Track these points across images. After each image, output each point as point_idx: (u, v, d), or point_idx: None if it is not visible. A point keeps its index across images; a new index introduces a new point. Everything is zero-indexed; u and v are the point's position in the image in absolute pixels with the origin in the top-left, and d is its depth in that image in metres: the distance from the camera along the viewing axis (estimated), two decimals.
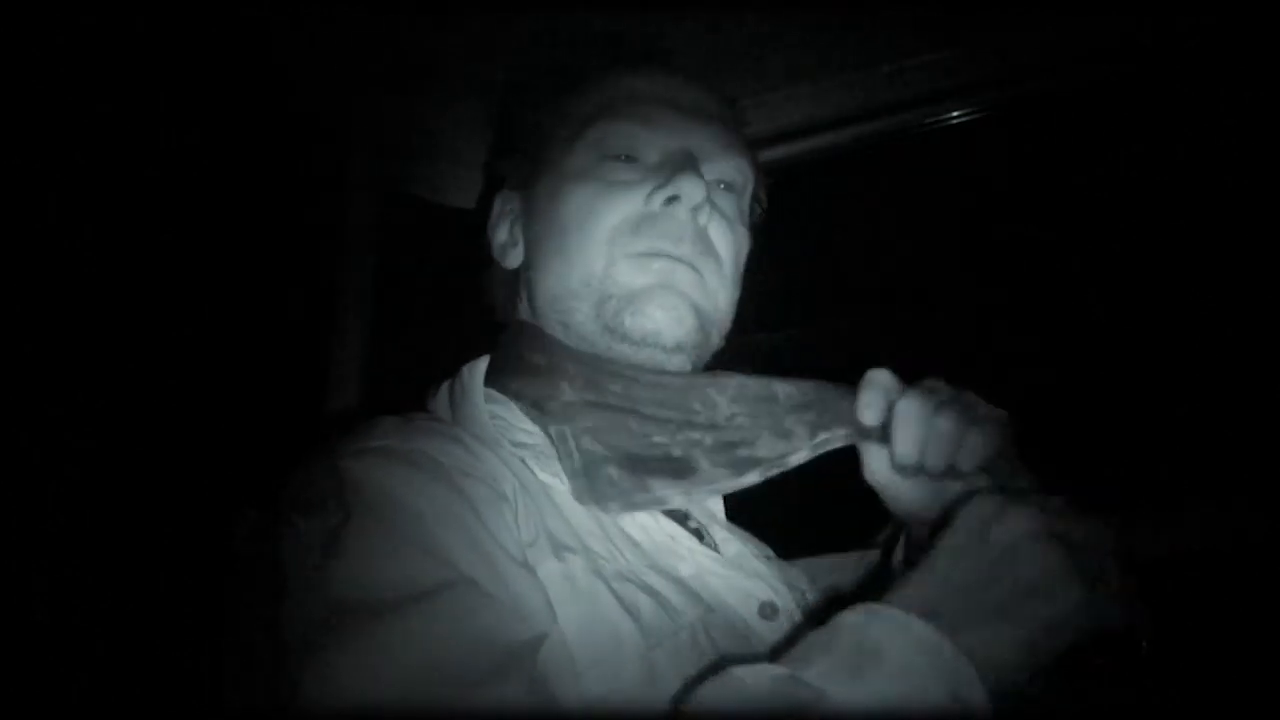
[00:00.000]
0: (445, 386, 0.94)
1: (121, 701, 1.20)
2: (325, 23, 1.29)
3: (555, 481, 0.85)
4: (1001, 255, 1.88)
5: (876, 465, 0.85)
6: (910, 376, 0.84)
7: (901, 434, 0.80)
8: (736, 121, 1.04)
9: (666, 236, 0.90)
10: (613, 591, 0.76)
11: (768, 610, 0.85)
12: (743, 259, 0.99)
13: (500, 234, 1.03)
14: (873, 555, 1.05)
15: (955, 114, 1.50)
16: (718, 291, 0.94)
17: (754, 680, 0.62)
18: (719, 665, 0.65)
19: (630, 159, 0.93)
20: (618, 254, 0.89)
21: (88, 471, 1.23)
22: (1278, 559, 1.33)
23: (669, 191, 0.89)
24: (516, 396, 0.92)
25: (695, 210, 0.90)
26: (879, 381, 0.83)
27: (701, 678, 0.65)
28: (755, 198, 1.05)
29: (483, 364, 0.93)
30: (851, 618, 0.65)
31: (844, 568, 1.08)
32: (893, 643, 0.62)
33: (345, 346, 1.49)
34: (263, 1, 1.24)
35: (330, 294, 1.52)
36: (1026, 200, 1.84)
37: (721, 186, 0.97)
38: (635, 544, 0.85)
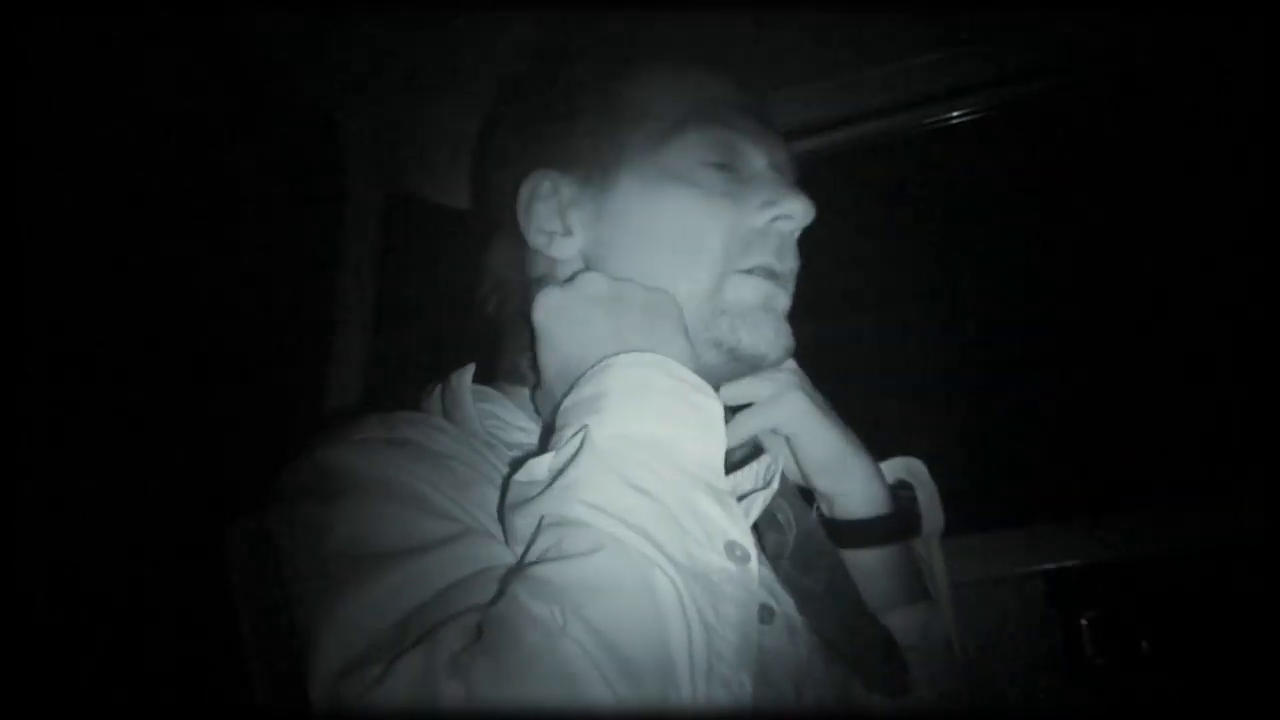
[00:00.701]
0: (436, 391, 0.93)
1: (121, 702, 1.20)
2: (326, 22, 1.29)
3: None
4: (1001, 255, 1.88)
5: None
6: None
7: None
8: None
9: (776, 254, 0.90)
10: None
11: (765, 614, 0.86)
12: None
13: (543, 219, 0.93)
14: None
15: (955, 114, 1.50)
16: (788, 303, 0.95)
17: (528, 470, 0.70)
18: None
19: (729, 169, 0.91)
20: (730, 269, 0.88)
21: (87, 472, 1.23)
22: (1278, 559, 1.33)
23: (781, 210, 0.89)
24: (511, 390, 0.93)
25: (797, 230, 0.91)
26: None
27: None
28: None
29: (469, 371, 0.92)
30: (566, 401, 0.74)
31: None
32: (610, 376, 0.73)
33: (345, 347, 1.49)
34: (264, 1, 1.24)
35: (330, 294, 1.52)
36: (1026, 200, 1.84)
37: None
38: None
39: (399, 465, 0.74)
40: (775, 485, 0.83)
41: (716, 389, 0.86)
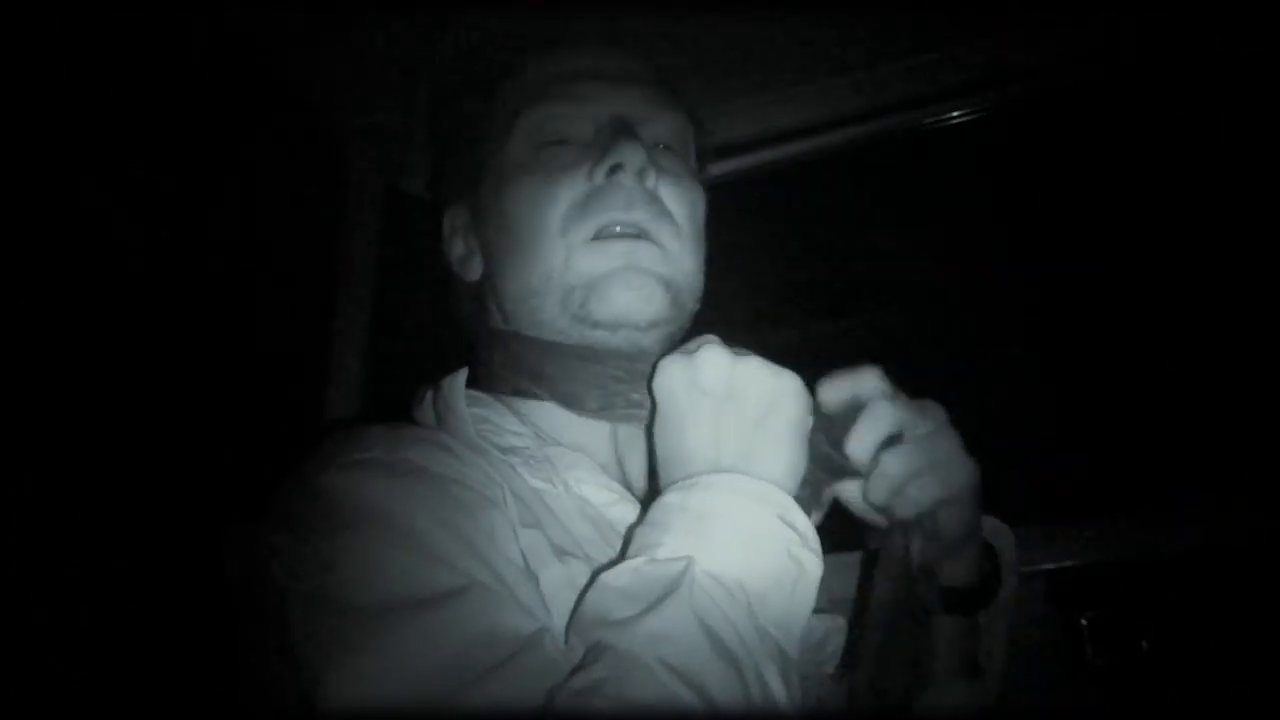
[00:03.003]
0: (428, 397, 0.92)
1: (120, 703, 1.20)
2: (326, 22, 1.29)
3: (548, 487, 0.84)
4: (1001, 255, 1.88)
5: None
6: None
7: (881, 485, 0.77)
8: (668, 81, 1.00)
9: (616, 206, 0.87)
10: None
11: None
12: (700, 215, 0.95)
13: (456, 248, 1.01)
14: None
15: (955, 114, 1.50)
16: (681, 256, 0.91)
17: (618, 576, 0.66)
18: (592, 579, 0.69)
19: (565, 142, 0.91)
20: (574, 241, 0.87)
21: (86, 474, 1.23)
22: (1278, 559, 1.33)
23: (609, 161, 0.87)
24: (501, 397, 0.92)
25: (640, 175, 0.88)
26: (878, 416, 0.77)
27: (582, 594, 0.68)
28: (701, 153, 1.02)
29: (462, 375, 0.91)
30: (669, 499, 0.71)
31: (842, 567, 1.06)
32: (717, 499, 0.69)
33: (345, 346, 1.49)
34: (264, 2, 1.24)
35: (330, 294, 1.52)
36: (1025, 200, 1.84)
37: (661, 147, 0.94)
38: None
39: (400, 495, 0.72)
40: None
41: (615, 358, 0.86)
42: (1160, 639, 1.38)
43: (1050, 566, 1.44)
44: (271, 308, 1.54)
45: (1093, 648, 1.39)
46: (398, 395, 0.96)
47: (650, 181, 0.89)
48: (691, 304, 0.94)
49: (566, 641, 0.67)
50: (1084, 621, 1.40)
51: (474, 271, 0.98)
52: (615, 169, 0.87)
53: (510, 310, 0.93)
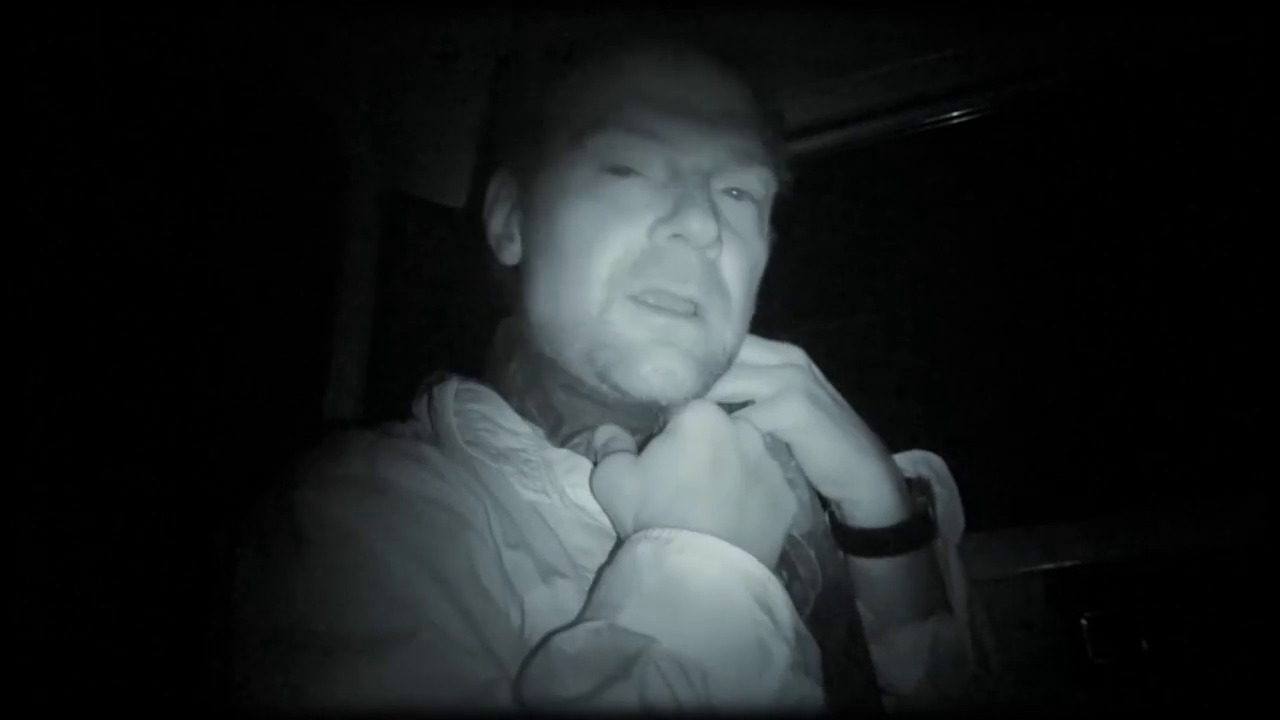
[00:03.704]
0: (424, 399, 0.90)
1: (119, 704, 1.20)
2: (327, 22, 1.29)
3: (542, 498, 0.82)
4: (1002, 255, 1.88)
5: None
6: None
7: None
8: (763, 115, 0.91)
9: (670, 276, 0.80)
10: None
11: None
12: (758, 277, 0.88)
13: (496, 222, 0.93)
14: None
15: (955, 114, 1.50)
16: (723, 332, 0.84)
17: (572, 641, 0.65)
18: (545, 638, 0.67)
19: (636, 174, 0.82)
20: (616, 294, 0.80)
21: (85, 474, 1.23)
22: (1278, 559, 1.33)
23: (674, 228, 0.79)
24: (506, 395, 0.90)
25: (704, 248, 0.81)
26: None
27: (530, 657, 0.66)
28: (779, 200, 0.94)
29: (451, 387, 0.88)
30: (642, 552, 0.69)
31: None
32: (694, 566, 0.67)
33: (345, 346, 1.49)
34: (263, 2, 1.24)
35: (330, 294, 1.52)
36: (1025, 200, 1.84)
37: (735, 194, 0.86)
38: None
39: (369, 519, 0.70)
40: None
41: (647, 420, 0.83)
42: (1160, 639, 1.38)
43: (1050, 566, 1.44)
44: (272, 308, 1.53)
45: (1093, 648, 1.39)
46: (398, 395, 0.96)
47: (713, 254, 0.82)
48: (724, 369, 0.86)
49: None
50: (1084, 621, 1.40)
51: (509, 255, 0.91)
52: (677, 237, 0.80)
53: (537, 326, 0.87)
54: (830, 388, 0.90)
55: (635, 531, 0.72)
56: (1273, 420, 1.55)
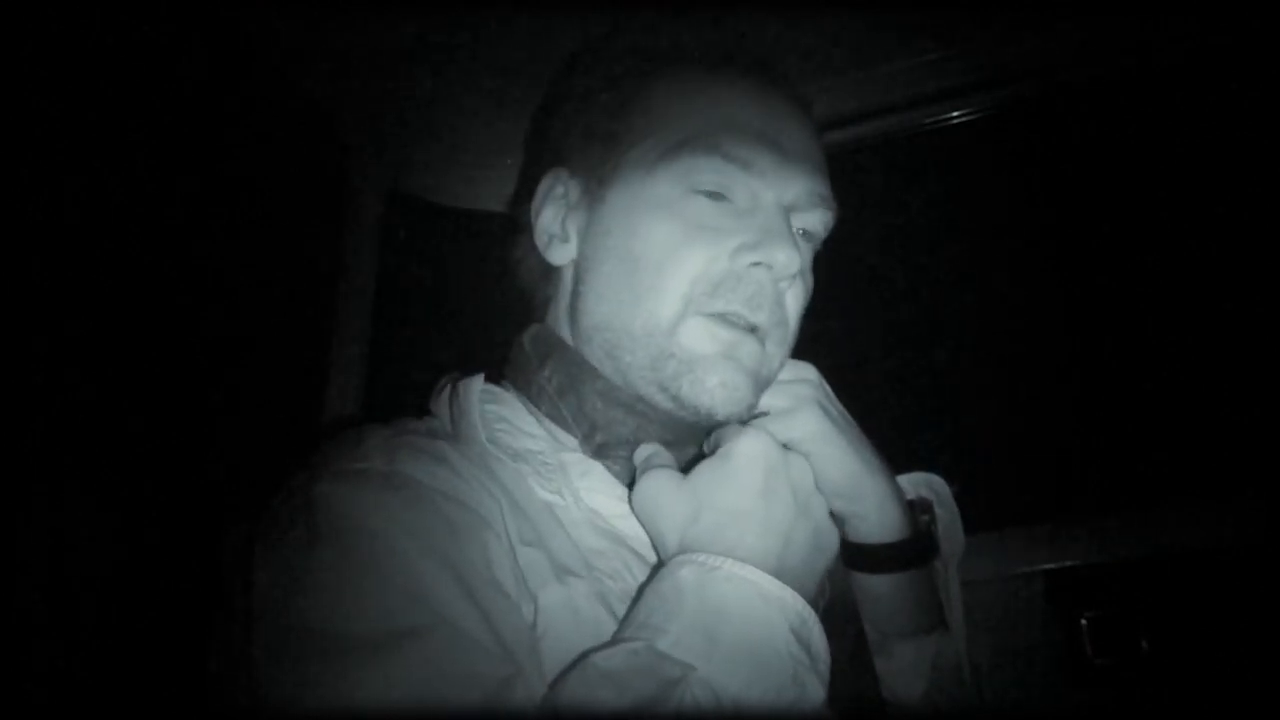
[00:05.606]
0: (446, 392, 0.90)
1: (120, 703, 1.21)
2: (327, 20, 1.29)
3: (557, 499, 0.83)
4: (1002, 255, 1.88)
5: None
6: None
7: None
8: (824, 158, 0.95)
9: (745, 302, 0.84)
10: (616, 618, 0.75)
11: None
12: (804, 309, 0.93)
13: (547, 220, 0.94)
14: None
15: (955, 114, 1.50)
16: (776, 356, 0.89)
17: (609, 660, 0.65)
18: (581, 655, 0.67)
19: (722, 199, 0.86)
20: (690, 311, 0.84)
21: (86, 474, 1.23)
22: (1278, 559, 1.33)
23: (759, 256, 0.83)
24: (524, 399, 0.91)
25: (781, 281, 0.86)
26: None
27: (565, 672, 0.67)
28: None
29: (478, 381, 0.89)
30: (685, 576, 0.70)
31: None
32: (737, 597, 0.68)
33: (345, 346, 1.49)
34: (264, 1, 1.24)
35: (330, 294, 1.52)
36: (1025, 200, 1.84)
37: (802, 233, 0.91)
38: (643, 560, 0.83)
39: (388, 513, 0.71)
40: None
41: (682, 435, 0.85)
42: (1160, 639, 1.38)
43: (1050, 566, 1.44)
44: (272, 308, 1.53)
45: (1093, 648, 1.39)
46: (398, 395, 0.96)
47: (786, 285, 0.87)
48: (766, 389, 0.91)
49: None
50: (1084, 621, 1.40)
51: (559, 257, 0.93)
52: (759, 264, 0.84)
53: (586, 328, 0.89)
54: (840, 405, 0.93)
55: (679, 553, 0.73)
56: (1273, 420, 1.56)
